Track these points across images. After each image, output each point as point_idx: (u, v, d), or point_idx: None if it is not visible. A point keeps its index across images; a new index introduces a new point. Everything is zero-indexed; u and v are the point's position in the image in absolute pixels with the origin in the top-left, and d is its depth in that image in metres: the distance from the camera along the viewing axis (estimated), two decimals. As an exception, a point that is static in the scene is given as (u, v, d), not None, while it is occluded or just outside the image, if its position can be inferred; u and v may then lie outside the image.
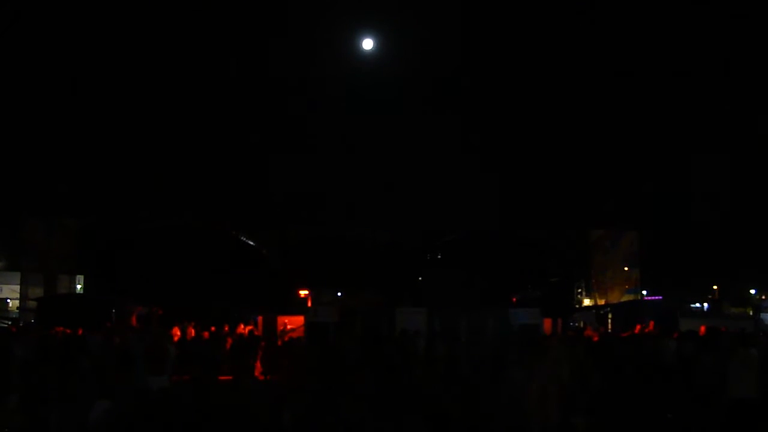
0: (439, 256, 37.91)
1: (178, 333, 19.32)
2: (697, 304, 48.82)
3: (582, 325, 27.46)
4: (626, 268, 37.35)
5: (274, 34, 48.82)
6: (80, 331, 17.91)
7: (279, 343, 21.92)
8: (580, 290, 39.34)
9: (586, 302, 38.29)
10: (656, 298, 37.93)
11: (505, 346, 14.19)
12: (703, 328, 16.67)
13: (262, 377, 19.31)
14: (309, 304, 30.49)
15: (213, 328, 20.03)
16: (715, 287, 51.50)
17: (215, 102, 45.25)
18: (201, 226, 34.80)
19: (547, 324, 23.10)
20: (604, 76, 48.28)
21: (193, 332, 19.77)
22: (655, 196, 45.48)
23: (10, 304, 38.55)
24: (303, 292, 32.53)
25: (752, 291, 52.73)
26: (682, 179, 47.58)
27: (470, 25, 48.11)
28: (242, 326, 21.22)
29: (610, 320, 27.78)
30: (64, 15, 42.52)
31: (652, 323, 20.33)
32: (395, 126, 45.25)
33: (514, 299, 32.37)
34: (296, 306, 29.56)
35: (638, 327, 19.77)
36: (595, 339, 18.18)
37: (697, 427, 12.09)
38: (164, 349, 13.50)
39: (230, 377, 17.78)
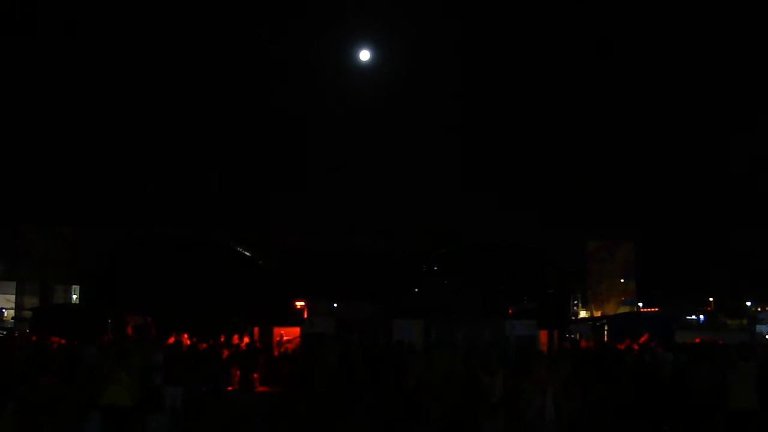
0: (436, 267, 37.87)
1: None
2: (693, 316, 48.85)
3: (578, 337, 27.48)
4: (622, 280, 37.32)
5: (272, 44, 49.03)
6: (76, 342, 17.85)
7: (275, 353, 21.92)
8: (576, 302, 39.31)
9: (582, 314, 38.26)
10: (652, 310, 37.95)
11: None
12: (698, 341, 16.72)
13: (260, 388, 19.33)
14: (305, 315, 30.43)
15: (212, 341, 19.96)
16: (711, 299, 51.53)
17: (211, 111, 45.34)
18: (197, 237, 34.72)
19: (543, 336, 23.09)
20: (602, 86, 48.52)
21: (188, 343, 19.68)
22: (651, 207, 45.62)
23: (6, 314, 38.40)
24: (299, 303, 32.45)
25: (748, 303, 52.75)
26: (679, 190, 47.75)
27: (466, 36, 48.34)
28: (236, 337, 21.14)
29: (606, 332, 27.77)
30: (62, 23, 42.64)
31: (646, 335, 20.33)
32: (392, 135, 45.41)
33: (511, 311, 32.27)
34: (292, 317, 29.49)
35: (643, 338, 19.77)
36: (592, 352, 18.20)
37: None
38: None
39: (229, 388, 17.80)
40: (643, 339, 19.86)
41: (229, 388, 18.40)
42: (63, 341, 18.13)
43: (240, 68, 46.22)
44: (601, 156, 47.83)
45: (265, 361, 21.04)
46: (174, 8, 46.42)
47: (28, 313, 29.42)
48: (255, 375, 20.15)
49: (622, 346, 18.73)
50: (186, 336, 19.48)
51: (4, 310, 38.96)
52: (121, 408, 10.12)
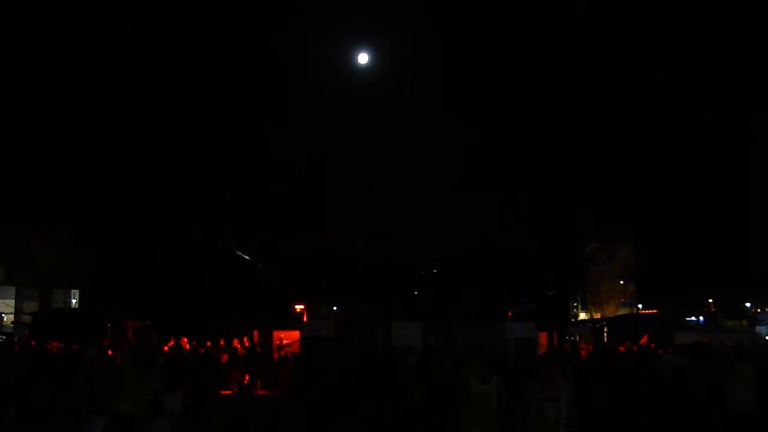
0: (435, 270, 37.87)
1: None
2: (693, 318, 48.79)
3: (578, 339, 27.48)
4: (621, 282, 37.33)
5: (271, 46, 49.03)
6: (75, 346, 17.83)
7: (275, 357, 21.92)
8: (575, 304, 39.32)
9: (582, 316, 38.26)
10: (652, 311, 37.94)
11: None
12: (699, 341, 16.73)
13: (261, 392, 19.32)
14: (305, 319, 30.40)
15: (209, 344, 19.97)
16: (710, 300, 51.49)
17: (209, 114, 45.34)
18: (196, 240, 34.70)
19: (542, 338, 23.04)
20: (599, 88, 48.54)
21: (188, 347, 19.69)
22: (650, 209, 45.64)
23: (5, 319, 38.36)
24: (299, 307, 32.43)
25: (747, 304, 52.72)
26: (677, 191, 47.76)
27: (466, 39, 48.38)
28: (236, 341, 21.14)
29: (605, 334, 27.78)
30: (60, 24, 42.69)
31: (646, 336, 20.37)
32: (390, 139, 45.40)
33: (510, 313, 32.27)
34: (292, 320, 29.46)
35: (643, 340, 19.82)
36: (589, 352, 18.19)
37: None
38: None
39: (229, 392, 17.79)
40: (643, 340, 19.90)
41: (229, 392, 18.40)
42: (62, 345, 18.12)
43: (239, 70, 46.25)
44: (599, 157, 47.84)
45: (265, 365, 21.04)
46: (173, 10, 46.45)
47: (27, 318, 29.39)
48: (256, 379, 20.18)
49: (622, 348, 18.76)
50: (185, 340, 19.52)
51: (3, 315, 38.90)
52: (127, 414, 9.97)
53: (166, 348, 17.65)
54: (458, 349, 15.58)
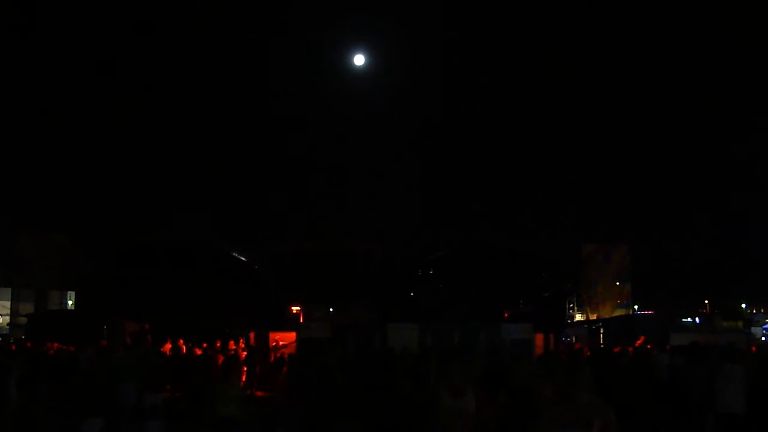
0: (431, 271, 37.89)
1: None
2: (689, 319, 48.85)
3: (573, 340, 27.52)
4: (618, 283, 37.35)
5: (268, 47, 49.12)
6: (71, 348, 17.82)
7: (271, 359, 21.95)
8: (572, 305, 39.34)
9: (578, 317, 38.27)
10: (647, 312, 37.96)
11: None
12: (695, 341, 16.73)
13: (257, 393, 19.34)
14: (301, 320, 30.43)
15: (205, 345, 19.98)
16: (706, 301, 51.58)
17: (207, 115, 45.36)
18: (192, 242, 34.69)
19: (539, 339, 23.10)
20: (596, 91, 48.62)
21: (184, 349, 19.70)
22: (646, 210, 45.75)
23: (0, 321, 38.29)
24: (295, 308, 32.44)
25: (743, 305, 52.82)
26: (674, 193, 47.88)
27: (462, 41, 48.48)
28: (232, 343, 21.15)
29: (602, 335, 27.80)
30: (59, 26, 42.70)
31: (642, 338, 20.40)
32: (386, 140, 45.45)
33: (506, 314, 32.32)
34: (288, 322, 29.47)
35: (639, 341, 19.86)
36: (587, 354, 18.21)
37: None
38: (158, 366, 13.48)
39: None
40: (639, 342, 19.93)
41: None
42: (59, 346, 18.11)
43: (236, 71, 46.30)
44: (596, 159, 47.95)
45: (262, 367, 21.06)
46: (172, 13, 46.47)
47: (23, 320, 29.34)
48: (252, 380, 20.18)
49: (617, 349, 18.78)
50: (182, 342, 19.52)
51: (-1, 317, 38.90)
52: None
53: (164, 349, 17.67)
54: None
